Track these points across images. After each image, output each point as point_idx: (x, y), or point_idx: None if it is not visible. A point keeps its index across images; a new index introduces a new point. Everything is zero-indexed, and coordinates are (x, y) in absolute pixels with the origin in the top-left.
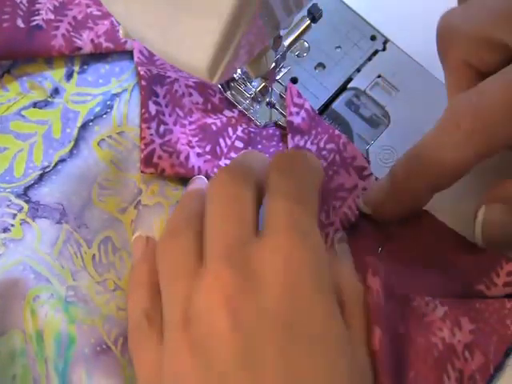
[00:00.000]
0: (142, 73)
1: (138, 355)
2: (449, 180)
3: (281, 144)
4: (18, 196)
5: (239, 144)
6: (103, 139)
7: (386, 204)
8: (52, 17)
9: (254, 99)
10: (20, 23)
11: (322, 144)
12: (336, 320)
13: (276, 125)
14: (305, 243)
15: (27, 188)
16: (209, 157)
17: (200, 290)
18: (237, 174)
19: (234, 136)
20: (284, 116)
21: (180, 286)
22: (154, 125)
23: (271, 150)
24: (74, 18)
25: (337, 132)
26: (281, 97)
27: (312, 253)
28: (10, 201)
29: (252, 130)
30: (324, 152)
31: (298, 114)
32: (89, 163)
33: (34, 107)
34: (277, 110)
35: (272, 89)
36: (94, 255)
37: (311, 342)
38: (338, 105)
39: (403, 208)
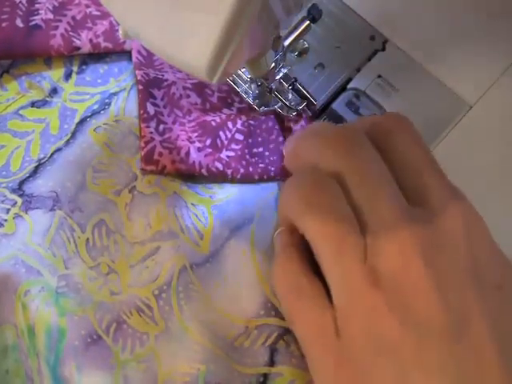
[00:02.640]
0: (138, 77)
1: (300, 316)
2: None
3: (281, 138)
4: (13, 191)
5: (239, 136)
6: (99, 126)
7: None
8: (51, 16)
9: (253, 82)
10: (19, 23)
11: None
12: None
13: (276, 116)
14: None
15: (22, 182)
16: (209, 150)
17: (388, 249)
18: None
19: (234, 129)
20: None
21: (351, 249)
22: (153, 124)
23: (271, 145)
24: (73, 17)
25: None
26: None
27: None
28: (5, 196)
29: (252, 122)
30: None
31: (296, 122)
32: (83, 147)
33: (32, 106)
34: (276, 95)
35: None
36: (87, 239)
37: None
38: (338, 105)
39: None
